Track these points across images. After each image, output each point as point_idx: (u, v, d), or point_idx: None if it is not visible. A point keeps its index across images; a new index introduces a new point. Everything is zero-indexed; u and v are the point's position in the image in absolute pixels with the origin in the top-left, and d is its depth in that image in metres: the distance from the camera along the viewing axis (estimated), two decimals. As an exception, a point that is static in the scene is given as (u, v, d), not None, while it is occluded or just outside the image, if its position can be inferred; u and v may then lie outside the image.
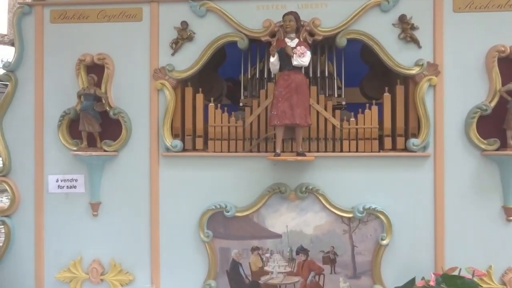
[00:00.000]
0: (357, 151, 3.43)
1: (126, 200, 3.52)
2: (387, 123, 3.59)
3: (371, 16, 3.55)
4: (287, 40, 3.42)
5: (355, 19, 3.53)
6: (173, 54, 3.48)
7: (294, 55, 3.31)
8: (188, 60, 3.46)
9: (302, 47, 3.33)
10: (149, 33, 3.48)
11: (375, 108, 3.63)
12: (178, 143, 3.44)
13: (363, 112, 3.64)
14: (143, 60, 3.48)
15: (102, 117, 3.46)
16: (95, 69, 3.48)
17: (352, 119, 3.64)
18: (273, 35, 3.59)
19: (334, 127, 3.62)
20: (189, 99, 3.53)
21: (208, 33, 3.43)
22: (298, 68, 3.38)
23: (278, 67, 3.42)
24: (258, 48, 4.01)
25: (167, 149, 3.44)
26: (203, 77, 4.17)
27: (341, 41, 3.53)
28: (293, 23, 3.37)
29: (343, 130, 3.61)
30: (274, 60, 3.36)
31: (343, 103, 3.89)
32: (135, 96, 3.49)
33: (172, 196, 3.49)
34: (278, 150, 3.42)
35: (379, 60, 4.11)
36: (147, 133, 3.49)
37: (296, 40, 3.41)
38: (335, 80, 3.99)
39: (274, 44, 3.36)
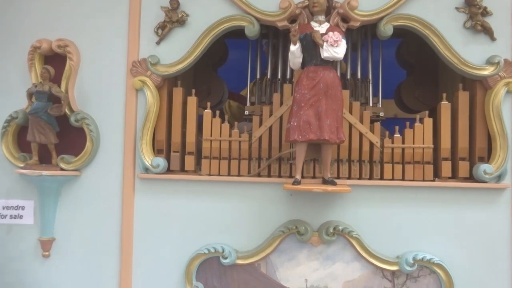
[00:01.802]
0: (403, 179, 2.72)
1: (88, 237, 2.81)
2: (445, 142, 2.71)
3: None
4: (313, 24, 2.52)
5: (405, 1, 2.62)
6: (158, 43, 2.78)
7: (325, 43, 2.41)
8: (178, 50, 2.75)
9: (336, 33, 2.42)
10: (128, 14, 2.80)
11: (428, 121, 2.72)
12: (161, 161, 2.74)
13: (411, 127, 2.70)
14: (118, 50, 2.80)
15: (60, 124, 2.78)
16: (54, 60, 2.82)
17: (397, 135, 2.70)
18: (293, 20, 2.71)
19: (372, 145, 2.75)
20: (178, 103, 2.84)
21: (206, 15, 2.73)
22: (328, 63, 2.48)
23: (300, 60, 2.49)
24: (271, 39, 3.18)
25: (146, 170, 2.76)
26: (198, 76, 3.34)
27: (386, 30, 2.64)
28: (323, 0, 2.46)
29: (385, 150, 2.73)
30: (295, 49, 2.44)
31: (381, 114, 3.00)
32: (106, 97, 2.81)
33: (151, 233, 2.78)
34: (297, 176, 2.50)
35: (424, 62, 3.30)
36: (120, 147, 2.79)
37: (327, 25, 2.51)
38: (370, 84, 3.07)
39: (296, 28, 2.43)
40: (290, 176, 2.73)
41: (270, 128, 2.77)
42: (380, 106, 3.10)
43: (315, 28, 2.48)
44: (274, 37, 3.20)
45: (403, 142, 2.73)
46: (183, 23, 2.76)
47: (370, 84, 3.09)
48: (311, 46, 2.46)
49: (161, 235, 2.75)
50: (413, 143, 2.72)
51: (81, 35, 2.81)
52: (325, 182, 2.58)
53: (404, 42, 3.45)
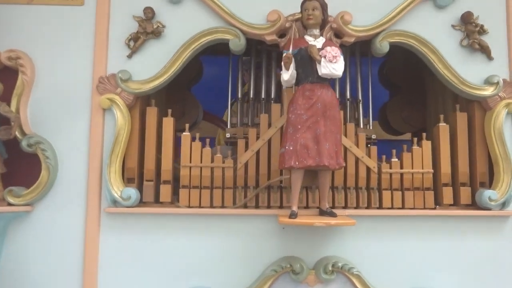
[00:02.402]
0: (403, 207, 2.53)
1: (42, 286, 2.39)
2: (446, 167, 2.56)
3: (422, 13, 2.56)
4: (308, 38, 2.28)
5: (400, 17, 2.49)
6: (130, 56, 2.52)
7: (323, 59, 2.17)
8: (153, 65, 2.49)
9: (334, 48, 2.19)
10: (94, 22, 2.52)
11: (427, 144, 2.55)
12: (132, 192, 2.42)
13: (409, 150, 2.51)
14: (82, 63, 2.50)
15: (8, 150, 2.42)
16: (3, 74, 2.47)
17: (395, 159, 2.51)
18: (281, 34, 2.51)
19: (369, 171, 2.54)
20: (152, 125, 2.57)
21: (185, 26, 2.50)
22: (325, 80, 2.27)
23: (294, 81, 2.24)
24: (254, 53, 2.98)
25: (115, 203, 2.43)
26: (171, 95, 3.07)
27: (382, 46, 2.49)
28: (319, 13, 2.26)
29: (383, 175, 2.54)
30: (288, 76, 2.25)
31: (373, 136, 2.81)
32: (66, 118, 2.48)
33: (120, 279, 2.41)
34: (294, 208, 2.23)
35: (410, 81, 3.23)
36: (82, 177, 2.45)
37: (322, 39, 2.29)
38: (360, 105, 2.90)
39: (290, 55, 2.20)
40: (281, 207, 2.48)
41: (258, 153, 2.53)
42: (371, 127, 2.91)
43: (310, 43, 2.24)
44: (256, 54, 2.97)
45: (401, 167, 2.54)
46: (158, 34, 2.49)
47: (361, 105, 2.90)
48: (306, 62, 2.23)
49: (133, 281, 2.39)
50: (412, 168, 2.53)
51: (36, 45, 2.49)
52: (322, 213, 2.32)
53: (388, 61, 3.33)
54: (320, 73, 2.19)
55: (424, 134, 2.61)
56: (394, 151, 2.57)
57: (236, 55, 2.95)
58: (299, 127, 2.17)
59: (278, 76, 3.02)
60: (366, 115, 2.95)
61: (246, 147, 2.53)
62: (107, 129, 2.43)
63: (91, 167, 2.41)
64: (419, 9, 2.53)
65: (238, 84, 2.97)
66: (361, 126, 2.87)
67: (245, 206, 2.47)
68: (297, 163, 2.14)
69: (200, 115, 3.34)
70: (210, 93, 3.74)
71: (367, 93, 2.97)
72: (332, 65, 2.18)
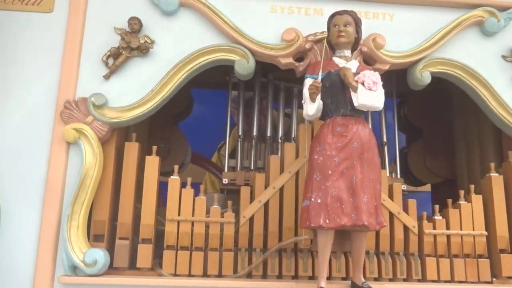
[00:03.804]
0: (452, 279, 2.03)
1: None
2: (502, 228, 2.07)
3: (467, 41, 2.19)
4: (337, 60, 1.83)
5: (442, 43, 2.11)
6: (107, 77, 2.06)
7: (360, 86, 1.70)
8: (137, 89, 2.06)
9: (374, 72, 1.73)
10: (64, 33, 2.07)
11: (477, 199, 2.09)
12: (99, 255, 1.91)
13: (455, 205, 2.09)
14: (43, 84, 2.03)
15: None
16: None
17: (439, 217, 2.02)
18: (299, 57, 2.06)
19: (407, 231, 2.05)
20: (131, 165, 2.07)
21: (179, 43, 2.10)
22: (361, 114, 1.80)
23: (320, 110, 1.76)
24: (258, 83, 2.57)
25: (74, 269, 1.90)
26: (155, 130, 2.61)
27: (424, 77, 2.08)
28: (352, 29, 1.83)
29: (425, 238, 2.05)
30: (314, 110, 1.77)
31: (404, 187, 2.35)
32: (18, 153, 1.99)
33: None
34: (322, 284, 1.69)
35: (434, 125, 2.84)
36: (33, 232, 1.90)
37: (355, 62, 1.84)
38: (385, 148, 2.48)
39: (319, 83, 1.74)
40: (296, 277, 1.95)
41: (266, 205, 2.01)
42: (398, 176, 2.43)
43: (340, 66, 1.77)
44: (262, 87, 2.57)
45: (447, 227, 2.04)
46: (145, 51, 2.05)
47: (386, 148, 2.44)
48: (337, 89, 1.76)
49: None
50: (461, 229, 2.03)
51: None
52: (355, 286, 1.74)
53: (407, 103, 2.93)
54: (356, 104, 1.71)
55: (472, 187, 2.12)
56: (437, 207, 2.07)
57: (234, 89, 2.56)
58: (330, 172, 1.64)
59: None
60: (391, 161, 2.50)
61: (251, 197, 2.03)
62: (70, 169, 1.95)
63: (45, 219, 1.89)
64: (464, 35, 2.15)
65: (240, 121, 2.49)
66: (387, 174, 2.39)
67: (249, 275, 1.97)
68: (327, 221, 1.60)
69: (188, 156, 2.84)
70: (201, 132, 3.27)
71: (392, 136, 2.53)
72: (372, 93, 1.69)
